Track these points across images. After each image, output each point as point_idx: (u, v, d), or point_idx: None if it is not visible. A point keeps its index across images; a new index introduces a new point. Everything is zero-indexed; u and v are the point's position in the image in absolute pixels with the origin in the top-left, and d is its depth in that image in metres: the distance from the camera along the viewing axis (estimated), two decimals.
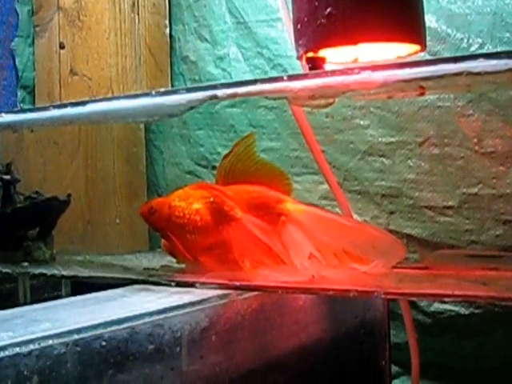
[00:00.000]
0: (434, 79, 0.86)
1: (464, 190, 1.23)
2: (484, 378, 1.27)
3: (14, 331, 0.77)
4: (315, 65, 1.01)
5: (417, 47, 1.02)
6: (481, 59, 0.81)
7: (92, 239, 1.44)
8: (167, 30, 1.60)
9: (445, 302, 1.26)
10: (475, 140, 1.20)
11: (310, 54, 1.00)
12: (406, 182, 1.28)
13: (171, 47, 1.62)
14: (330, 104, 1.02)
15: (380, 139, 1.30)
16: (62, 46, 1.56)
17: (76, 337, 0.79)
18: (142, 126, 1.58)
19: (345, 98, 1.29)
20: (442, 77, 0.85)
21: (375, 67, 0.89)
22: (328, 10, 0.97)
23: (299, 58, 1.02)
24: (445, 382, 1.31)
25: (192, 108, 1.01)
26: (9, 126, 1.25)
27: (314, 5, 0.97)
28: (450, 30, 1.27)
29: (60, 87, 1.56)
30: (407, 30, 1.00)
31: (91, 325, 0.80)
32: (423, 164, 1.26)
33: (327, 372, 1.10)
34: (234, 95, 0.97)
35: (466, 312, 1.26)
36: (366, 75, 0.88)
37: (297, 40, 1.01)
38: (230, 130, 1.48)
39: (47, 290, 1.26)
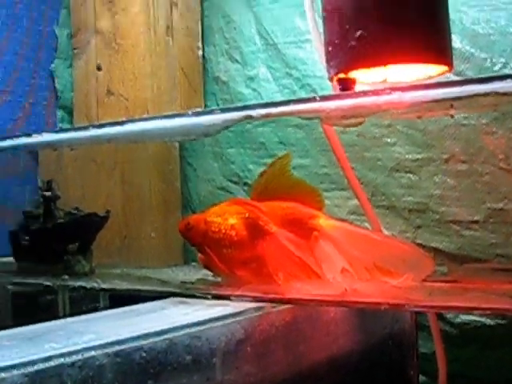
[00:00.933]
0: (462, 99, 0.86)
1: (489, 205, 1.22)
2: None
3: (57, 342, 0.77)
4: (346, 86, 1.00)
5: (444, 68, 1.01)
6: (508, 80, 0.81)
7: (128, 253, 1.44)
8: (200, 52, 1.60)
9: (471, 314, 1.26)
10: (500, 157, 1.20)
11: (341, 76, 1.00)
12: (433, 198, 1.28)
13: (204, 68, 1.62)
14: (361, 123, 1.02)
15: (407, 156, 1.30)
16: (99, 68, 1.57)
17: (117, 348, 0.80)
18: (176, 144, 1.58)
19: (372, 117, 1.31)
20: (471, 97, 0.85)
21: (405, 88, 0.89)
22: (358, 32, 0.96)
23: (330, 79, 1.02)
24: None
25: (227, 128, 1.02)
26: (48, 144, 1.25)
27: (345, 28, 0.97)
28: (473, 50, 1.27)
29: (97, 107, 1.57)
30: (435, 52, 0.99)
31: (131, 336, 0.81)
32: (449, 180, 1.25)
33: (358, 383, 1.09)
34: (268, 115, 0.98)
35: (492, 323, 1.25)
36: (397, 96, 0.89)
37: (328, 62, 1.01)
38: (261, 148, 1.48)
39: (85, 302, 1.26)
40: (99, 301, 1.26)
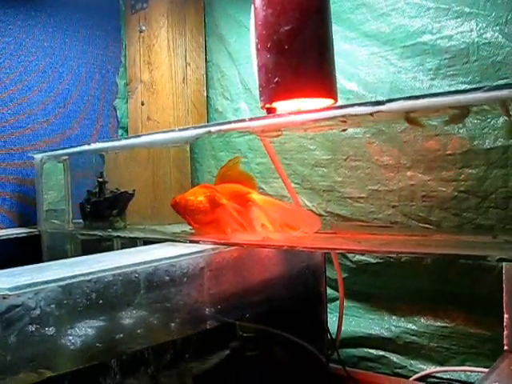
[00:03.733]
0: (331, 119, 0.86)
1: (370, 187, 1.23)
2: (385, 299, 1.27)
3: (83, 267, 0.80)
4: (270, 112, 1.00)
5: (332, 100, 1.00)
6: (355, 106, 0.80)
7: (156, 217, 1.46)
8: (205, 93, 1.63)
9: (362, 254, 1.26)
10: (376, 157, 1.20)
11: (267, 105, 0.99)
12: (337, 183, 1.28)
13: (208, 103, 1.63)
14: (279, 135, 1.03)
15: (322, 157, 1.31)
16: (142, 103, 1.60)
17: (119, 271, 0.82)
18: (188, 148, 1.59)
19: (303, 133, 1.31)
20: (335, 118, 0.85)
21: (295, 113, 0.90)
22: (276, 79, 0.97)
23: (262, 107, 1.01)
24: (364, 302, 1.30)
25: (198, 138, 1.03)
26: (98, 150, 1.27)
27: (268, 76, 0.97)
28: (365, 92, 1.27)
29: (142, 128, 1.60)
30: (325, 91, 0.98)
31: (129, 264, 0.84)
32: (346, 172, 1.26)
33: (284, 295, 1.09)
34: (220, 130, 0.98)
35: (374, 261, 1.26)
36: (291, 118, 0.89)
37: (260, 97, 1.01)
38: (238, 152, 1.49)
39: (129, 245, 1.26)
40: (137, 244, 1.25)
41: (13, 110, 1.43)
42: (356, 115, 0.80)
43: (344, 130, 1.19)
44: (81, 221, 1.31)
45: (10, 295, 0.66)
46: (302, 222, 1.01)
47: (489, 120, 1.05)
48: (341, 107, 0.82)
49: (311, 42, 0.93)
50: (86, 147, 1.25)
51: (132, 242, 1.21)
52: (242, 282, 1.01)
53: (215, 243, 0.97)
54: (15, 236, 1.31)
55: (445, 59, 1.14)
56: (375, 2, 1.25)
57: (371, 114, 0.75)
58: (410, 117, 0.76)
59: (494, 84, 0.69)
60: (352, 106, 0.80)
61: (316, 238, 0.96)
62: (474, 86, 1.07)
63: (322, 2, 0.96)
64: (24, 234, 1.33)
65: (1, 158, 1.42)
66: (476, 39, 1.10)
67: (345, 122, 0.82)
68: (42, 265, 0.86)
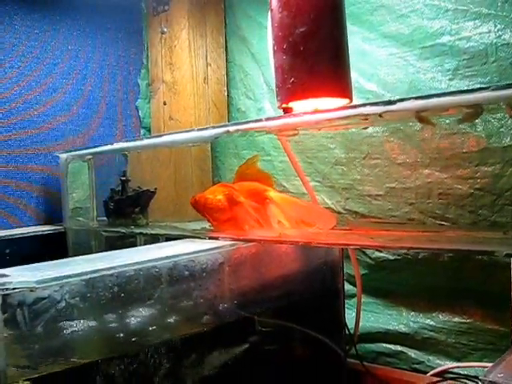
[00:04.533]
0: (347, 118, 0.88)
1: (387, 185, 1.24)
2: (403, 295, 1.28)
3: (105, 262, 0.82)
4: (287, 111, 1.02)
5: (348, 100, 1.02)
6: (367, 106, 0.82)
7: (177, 214, 1.48)
8: (225, 93, 1.64)
9: (379, 251, 1.27)
10: (394, 155, 1.21)
11: (284, 105, 1.01)
12: (355, 180, 1.30)
13: (230, 103, 1.65)
14: (296, 134, 1.05)
15: (341, 155, 1.33)
16: (164, 103, 1.63)
17: (139, 266, 0.83)
18: (209, 146, 1.61)
19: (323, 132, 1.33)
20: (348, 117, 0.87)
21: (309, 112, 0.92)
22: (291, 80, 0.98)
23: (279, 107, 1.03)
24: (382, 298, 1.32)
25: (217, 138, 1.05)
26: (121, 150, 1.30)
27: (284, 77, 0.99)
28: (384, 92, 1.28)
29: (164, 127, 1.62)
30: (340, 90, 1.00)
31: (149, 259, 0.86)
32: (365, 170, 1.27)
33: (302, 291, 1.10)
34: (238, 130, 1.01)
35: (392, 258, 1.27)
36: (305, 117, 0.92)
37: (276, 97, 1.03)
38: (262, 150, 1.50)
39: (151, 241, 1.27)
40: (159, 240, 1.27)
41: (38, 112, 1.48)
42: (368, 114, 0.83)
43: (365, 128, 1.21)
44: (105, 218, 1.33)
45: (37, 288, 0.69)
46: (318, 219, 1.03)
47: (506, 118, 1.07)
48: (354, 107, 0.85)
49: (326, 42, 0.95)
50: (109, 147, 1.28)
51: (154, 239, 1.22)
52: (260, 278, 1.02)
53: (233, 239, 0.99)
54: (41, 233, 1.36)
55: (463, 60, 1.15)
56: (394, 4, 1.26)
57: (380, 115, 0.78)
58: (421, 116, 0.79)
59: (505, 83, 0.72)
60: (364, 105, 0.82)
61: (331, 234, 0.98)
62: None
63: (336, 4, 0.98)
64: (50, 231, 1.38)
65: (28, 157, 1.47)
66: (494, 40, 1.11)
67: (367, 119, 0.84)
68: (66, 260, 0.89)
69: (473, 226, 1.07)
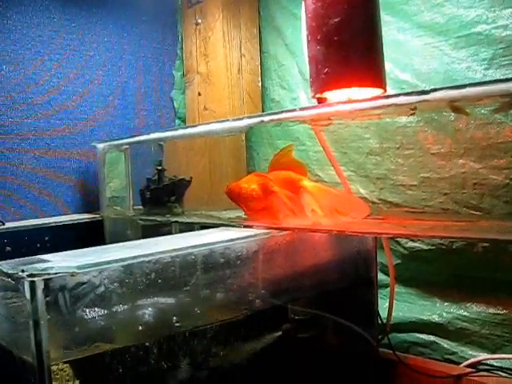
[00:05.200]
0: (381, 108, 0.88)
1: (422, 175, 1.24)
2: (437, 285, 1.28)
3: (143, 249, 0.85)
4: (320, 101, 1.04)
5: (381, 90, 1.03)
6: (401, 96, 0.82)
7: (212, 203, 1.49)
8: (260, 84, 1.66)
9: (413, 240, 1.27)
10: (428, 146, 1.21)
11: (318, 95, 1.03)
12: (390, 170, 1.30)
13: (264, 93, 1.67)
14: (329, 124, 1.06)
15: (375, 145, 1.33)
16: (199, 94, 1.64)
17: (176, 253, 0.85)
18: (243, 136, 1.62)
19: (358, 122, 1.33)
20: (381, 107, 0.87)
21: (342, 102, 0.93)
22: (325, 70, 1.00)
23: (312, 97, 1.05)
24: (416, 288, 1.32)
25: (251, 127, 1.06)
26: (157, 140, 1.32)
27: (318, 67, 1.01)
28: (418, 82, 1.28)
29: (198, 118, 1.64)
30: (374, 80, 1.01)
31: (186, 246, 0.88)
32: (399, 160, 1.27)
33: (335, 279, 1.11)
34: (272, 120, 1.02)
35: (426, 248, 1.27)
36: (339, 107, 0.92)
37: (310, 87, 1.04)
38: (297, 140, 1.50)
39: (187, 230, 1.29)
40: (194, 229, 1.28)
41: (76, 102, 1.52)
42: (401, 105, 0.83)
43: (412, 114, 1.20)
44: (141, 207, 1.36)
45: (77, 273, 0.72)
46: (351, 208, 1.03)
47: None
48: (387, 97, 0.85)
49: (359, 33, 0.96)
50: (145, 137, 1.30)
51: (189, 227, 1.23)
52: (294, 266, 1.03)
53: (268, 228, 1.00)
54: (79, 221, 1.40)
55: (500, 49, 1.14)
56: None
57: (413, 108, 0.78)
58: (455, 106, 0.79)
59: None
60: (397, 95, 0.83)
61: (364, 224, 0.99)
62: None
63: None
64: (88, 220, 1.41)
65: (66, 147, 1.51)
66: None
67: (415, 108, 0.84)
68: (105, 246, 0.92)
69: (507, 217, 1.07)
